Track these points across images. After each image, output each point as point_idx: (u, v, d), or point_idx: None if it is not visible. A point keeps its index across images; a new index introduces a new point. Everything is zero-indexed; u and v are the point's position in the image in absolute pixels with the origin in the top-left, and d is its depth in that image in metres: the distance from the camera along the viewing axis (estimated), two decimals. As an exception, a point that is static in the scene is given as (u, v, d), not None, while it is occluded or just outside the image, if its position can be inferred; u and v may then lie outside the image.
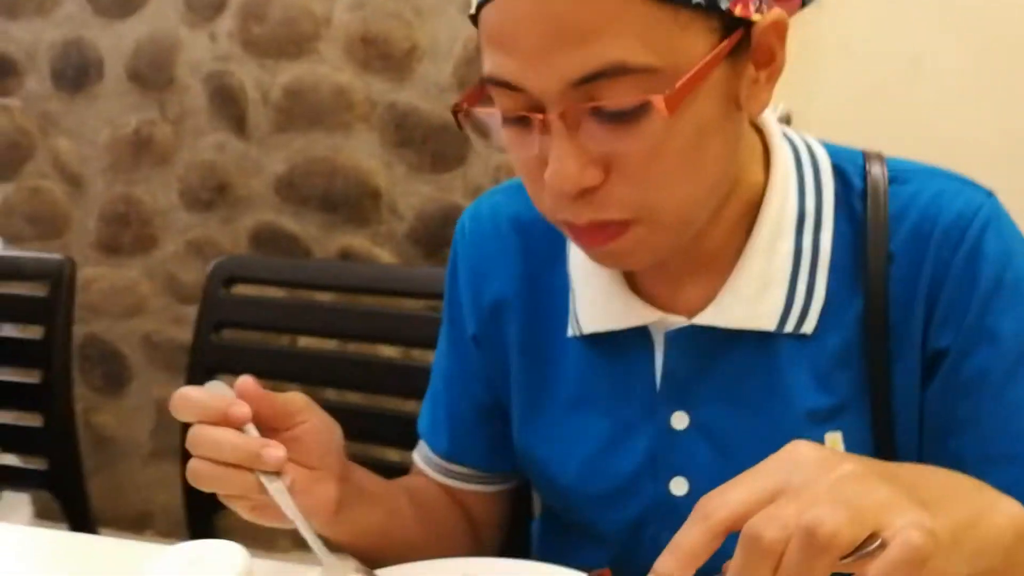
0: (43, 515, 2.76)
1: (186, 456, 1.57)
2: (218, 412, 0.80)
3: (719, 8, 0.72)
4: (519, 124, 0.76)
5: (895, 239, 0.86)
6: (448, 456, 1.09)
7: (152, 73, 2.60)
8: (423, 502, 1.08)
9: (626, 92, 0.71)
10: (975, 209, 0.85)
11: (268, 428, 0.83)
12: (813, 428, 0.88)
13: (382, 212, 2.49)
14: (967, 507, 0.62)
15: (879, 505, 0.54)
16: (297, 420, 0.85)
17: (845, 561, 0.54)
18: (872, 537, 0.54)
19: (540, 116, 0.73)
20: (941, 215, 0.85)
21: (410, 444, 1.17)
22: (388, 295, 1.51)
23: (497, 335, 1.03)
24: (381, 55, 2.40)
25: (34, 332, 1.64)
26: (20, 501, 2.78)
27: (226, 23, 2.51)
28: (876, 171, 0.88)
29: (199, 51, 2.55)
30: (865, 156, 0.91)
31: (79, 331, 2.76)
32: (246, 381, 0.83)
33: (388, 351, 1.71)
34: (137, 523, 2.88)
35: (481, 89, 0.79)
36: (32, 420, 1.67)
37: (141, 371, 2.81)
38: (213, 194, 2.62)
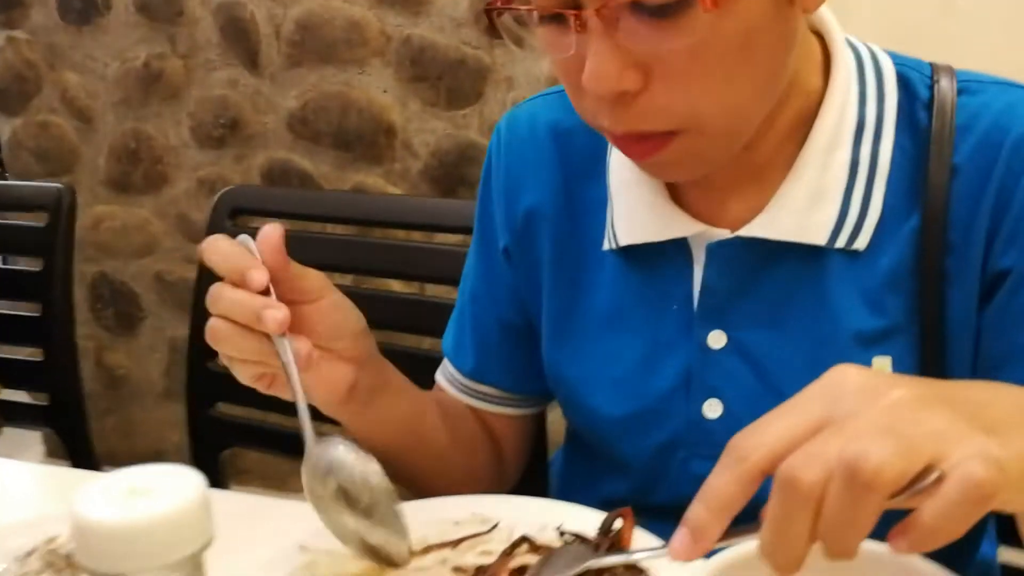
0: (54, 454, 2.73)
1: (192, 397, 1.53)
2: (238, 271, 0.77)
3: None
4: (555, 22, 0.71)
5: (961, 151, 0.80)
6: (473, 375, 1.05)
7: (161, 5, 2.51)
8: (451, 414, 1.05)
9: None
10: None
11: (281, 294, 0.80)
12: (860, 351, 0.82)
13: (396, 149, 2.41)
14: None
15: (935, 434, 0.47)
16: (309, 296, 0.83)
17: (898, 499, 0.47)
18: (928, 470, 0.46)
19: (576, 12, 0.68)
20: (1013, 126, 0.78)
21: (426, 383, 1.11)
22: (400, 228, 1.43)
23: (529, 247, 0.98)
24: (396, -14, 2.31)
25: (34, 264, 1.57)
26: (31, 439, 2.74)
27: (237, -47, 2.43)
28: (945, 82, 0.82)
29: (209, -19, 2.47)
30: (933, 67, 0.84)
31: (89, 270, 2.71)
32: (272, 231, 0.80)
33: (401, 287, 1.64)
34: (150, 462, 2.83)
35: None
36: (33, 355, 1.60)
37: (153, 310, 2.75)
38: (225, 131, 2.54)
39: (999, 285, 0.80)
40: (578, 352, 0.95)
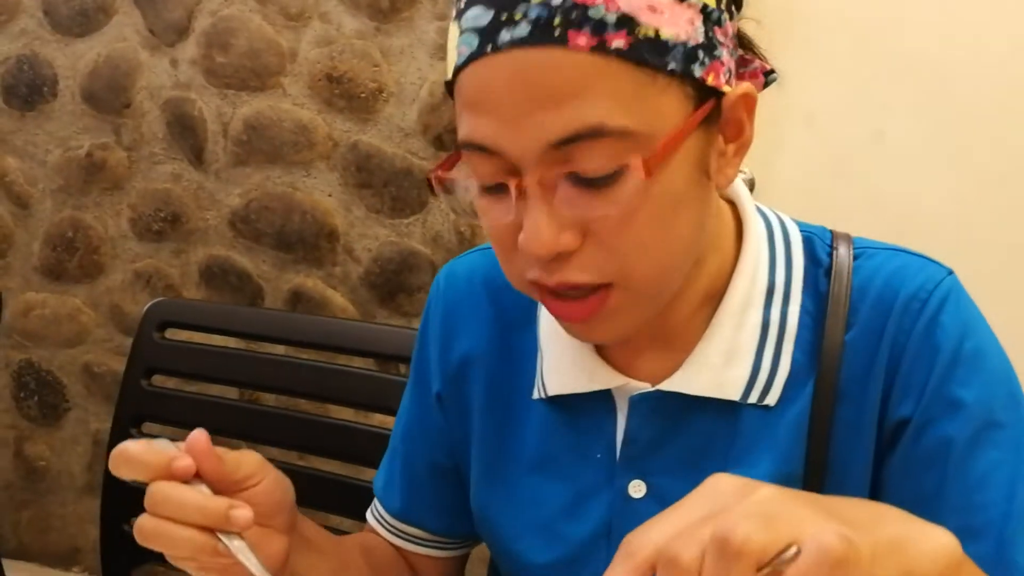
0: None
1: (107, 495, 1.44)
2: (161, 468, 0.73)
3: (693, 76, 0.71)
4: (494, 192, 0.74)
5: (857, 311, 0.85)
6: (400, 516, 1.05)
7: (108, 96, 2.45)
8: (377, 561, 1.04)
9: (603, 155, 0.69)
10: (936, 283, 0.84)
11: (217, 488, 0.77)
12: None
13: (338, 253, 2.35)
14: (893, 530, 0.58)
15: (796, 518, 0.53)
16: (249, 483, 0.80)
17: (763, 572, 0.51)
18: (790, 547, 0.52)
19: (517, 181, 0.71)
20: (903, 287, 0.84)
21: (358, 513, 1.10)
22: (333, 351, 1.36)
23: (462, 394, 0.99)
24: (345, 94, 2.27)
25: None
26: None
27: (189, 50, 2.37)
28: (843, 250, 0.87)
29: (159, 76, 2.41)
30: (833, 235, 0.89)
31: (15, 357, 2.60)
32: (198, 436, 0.76)
33: (337, 411, 1.56)
34: (65, 558, 2.70)
35: (456, 156, 0.77)
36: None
37: (79, 402, 2.63)
38: (165, 224, 2.46)
39: (901, 433, 0.83)
40: (505, 497, 0.95)
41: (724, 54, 0.74)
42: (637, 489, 0.88)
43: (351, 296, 2.36)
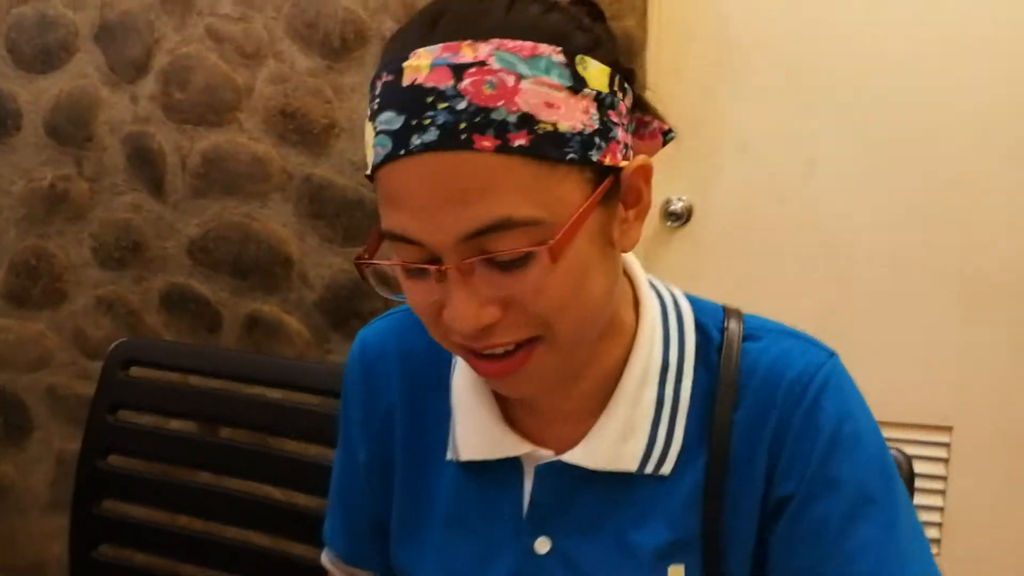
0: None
1: (76, 521, 1.47)
2: None
3: (591, 161, 0.75)
4: (418, 274, 0.78)
5: (745, 391, 0.89)
6: (348, 560, 1.09)
7: (71, 129, 2.47)
8: None
9: (514, 243, 0.73)
10: (816, 367, 0.88)
11: None
12: (660, 561, 0.90)
13: (293, 280, 2.39)
14: None
15: None
16: None
17: None
18: None
19: (437, 267, 0.75)
20: (786, 372, 0.88)
21: (316, 540, 1.12)
22: (296, 391, 1.41)
23: (385, 453, 1.02)
24: (299, 129, 2.31)
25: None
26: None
27: (148, 86, 2.40)
28: (733, 327, 0.91)
29: (119, 111, 2.43)
30: (725, 312, 0.93)
31: (-19, 381, 2.60)
32: None
33: (295, 447, 1.60)
34: (30, 574, 2.70)
35: (380, 240, 0.81)
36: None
37: (44, 422, 2.65)
38: (126, 253, 2.49)
39: (783, 510, 0.87)
40: (420, 550, 0.99)
41: (619, 133, 0.78)
42: (543, 545, 0.92)
43: (306, 321, 2.40)
